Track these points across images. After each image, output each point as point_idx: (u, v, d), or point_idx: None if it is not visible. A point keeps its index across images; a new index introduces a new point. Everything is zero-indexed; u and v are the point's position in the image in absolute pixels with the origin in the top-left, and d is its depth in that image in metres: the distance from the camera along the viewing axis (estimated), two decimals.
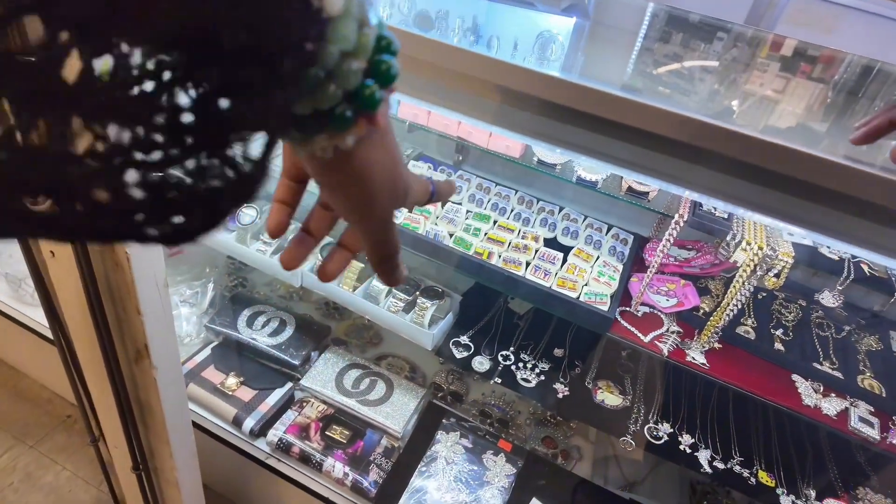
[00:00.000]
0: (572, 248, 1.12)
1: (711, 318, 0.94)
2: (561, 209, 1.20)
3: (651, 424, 1.10)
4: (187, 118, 0.20)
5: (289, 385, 1.40)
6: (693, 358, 0.94)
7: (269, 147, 0.23)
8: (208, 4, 0.18)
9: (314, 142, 0.28)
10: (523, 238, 1.11)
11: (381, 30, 0.28)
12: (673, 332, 0.98)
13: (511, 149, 0.96)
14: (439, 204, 1.18)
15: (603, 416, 1.12)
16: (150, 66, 0.18)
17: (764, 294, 1.11)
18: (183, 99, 0.19)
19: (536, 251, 1.08)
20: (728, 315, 0.91)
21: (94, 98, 0.18)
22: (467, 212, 1.17)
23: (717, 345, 0.97)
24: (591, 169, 0.92)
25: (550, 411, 1.40)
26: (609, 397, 1.14)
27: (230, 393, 1.35)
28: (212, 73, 0.19)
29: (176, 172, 0.20)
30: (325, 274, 0.41)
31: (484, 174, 1.30)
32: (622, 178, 0.92)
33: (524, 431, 1.42)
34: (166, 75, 0.19)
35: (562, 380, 1.16)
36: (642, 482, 1.37)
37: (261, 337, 1.45)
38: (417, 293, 1.22)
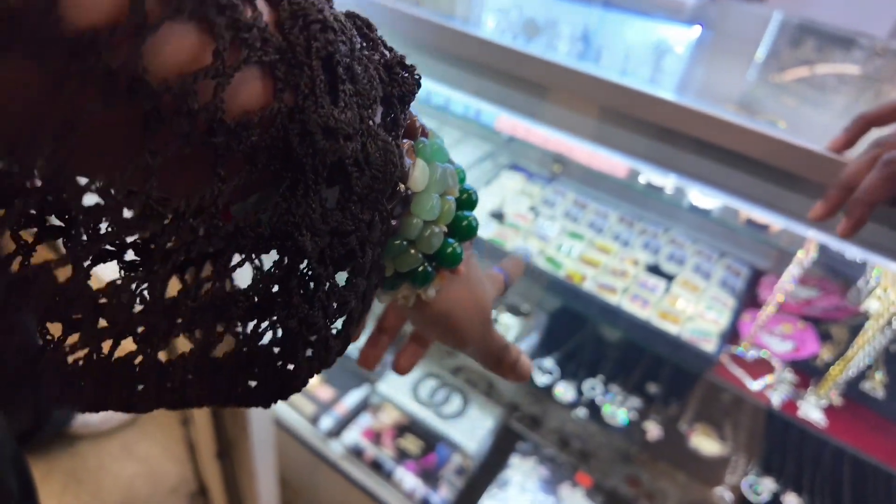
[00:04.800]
0: (676, 275, 1.08)
1: (832, 369, 0.87)
2: (666, 231, 1.17)
3: (751, 478, 1.04)
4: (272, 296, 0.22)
5: (366, 388, 1.46)
6: (806, 413, 0.88)
7: (350, 323, 0.25)
8: (299, 216, 0.20)
9: (396, 293, 0.29)
10: (621, 261, 1.08)
11: (462, 182, 0.29)
12: (785, 381, 0.92)
13: (615, 168, 0.94)
14: (532, 215, 1.18)
15: (697, 464, 1.07)
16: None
17: None
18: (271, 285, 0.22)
19: (635, 277, 1.06)
20: (853, 370, 0.85)
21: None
22: (561, 229, 1.17)
23: (836, 400, 0.90)
24: (705, 195, 0.89)
25: (638, 451, 1.36)
26: (705, 443, 1.09)
27: (311, 391, 1.43)
28: (297, 270, 0.22)
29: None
30: (400, 368, 0.42)
31: (582, 188, 1.28)
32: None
33: (606, 467, 1.39)
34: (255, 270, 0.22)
35: (654, 418, 1.12)
36: None
37: None
38: (501, 307, 1.23)
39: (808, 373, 0.95)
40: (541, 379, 1.18)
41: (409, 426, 1.38)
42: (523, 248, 1.07)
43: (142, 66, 0.15)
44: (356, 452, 1.33)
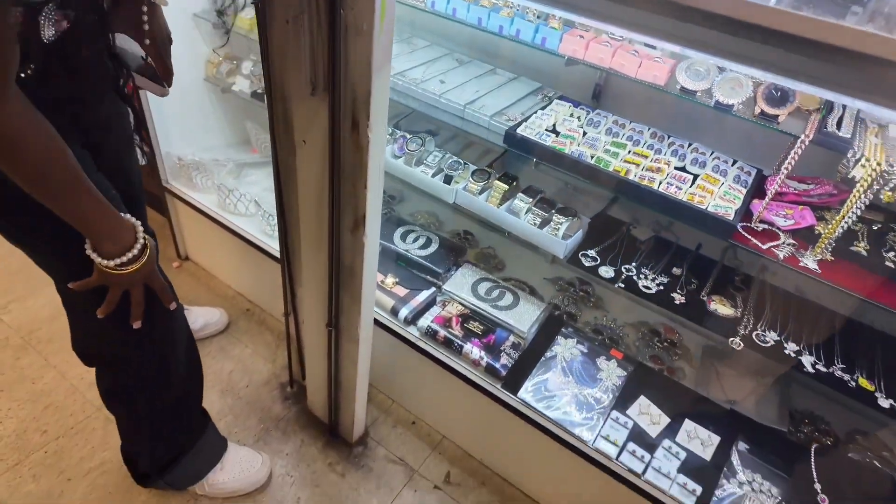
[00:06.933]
0: (700, 175, 1.27)
1: (827, 229, 1.07)
2: (690, 144, 1.36)
3: (759, 332, 1.24)
4: None
5: (433, 289, 1.67)
6: (806, 264, 1.08)
7: None
8: None
9: None
10: (656, 162, 1.28)
11: None
12: (789, 245, 1.12)
13: (657, 78, 1.13)
14: (581, 131, 1.37)
15: (715, 322, 1.27)
16: None
17: (880, 225, 1.21)
18: None
19: (668, 173, 1.25)
20: (843, 227, 1.04)
21: None
22: (605, 141, 1.36)
23: (829, 257, 1.10)
24: (728, 93, 1.07)
25: (668, 315, 1.55)
26: (721, 308, 1.29)
27: (389, 289, 1.64)
28: None
29: None
30: None
31: (617, 116, 1.47)
32: (756, 103, 1.07)
33: (633, 349, 1.60)
34: None
35: (679, 291, 1.32)
36: (742, 402, 1.50)
37: (413, 249, 1.73)
38: (553, 211, 1.42)
39: (806, 240, 1.14)
40: (587, 263, 1.38)
41: (472, 315, 1.59)
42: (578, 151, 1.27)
43: None
44: (430, 334, 1.54)
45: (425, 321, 1.56)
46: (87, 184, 0.79)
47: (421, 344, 1.55)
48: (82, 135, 0.95)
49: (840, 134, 1.01)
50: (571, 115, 1.43)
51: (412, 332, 1.57)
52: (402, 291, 1.64)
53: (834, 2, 1.20)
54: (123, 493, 1.46)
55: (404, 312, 1.58)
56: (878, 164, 0.96)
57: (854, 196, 1.00)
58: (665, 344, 1.61)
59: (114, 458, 1.52)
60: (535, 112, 1.42)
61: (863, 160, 0.98)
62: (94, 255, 0.85)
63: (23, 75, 0.78)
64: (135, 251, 0.87)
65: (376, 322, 1.60)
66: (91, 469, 1.51)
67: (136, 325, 0.97)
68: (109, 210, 0.83)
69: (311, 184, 1.16)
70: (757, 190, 1.26)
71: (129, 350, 1.11)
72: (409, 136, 1.60)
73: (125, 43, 1.00)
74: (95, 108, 0.99)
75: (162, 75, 1.07)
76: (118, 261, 0.86)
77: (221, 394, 1.80)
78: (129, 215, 0.88)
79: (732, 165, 1.30)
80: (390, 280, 1.66)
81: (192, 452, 1.36)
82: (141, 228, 0.89)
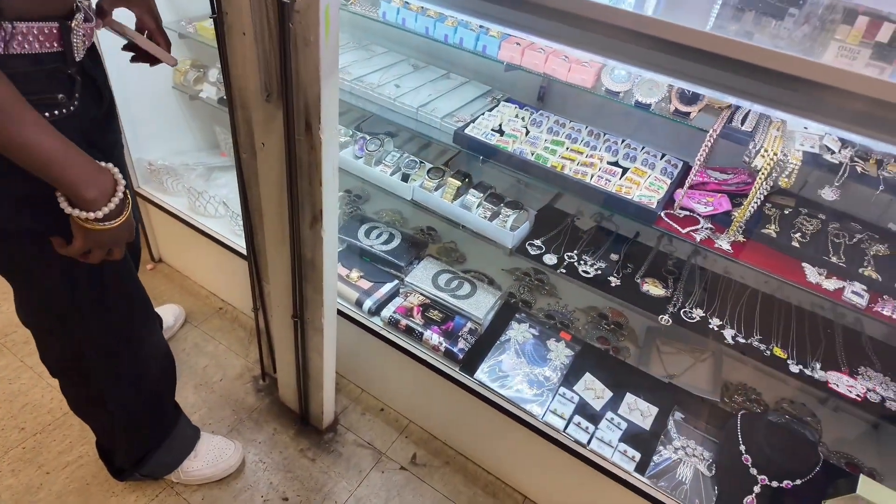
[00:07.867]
0: (630, 168, 1.38)
1: (737, 213, 1.18)
2: (623, 140, 1.46)
3: (686, 309, 1.35)
4: None
5: (396, 282, 1.75)
6: (720, 245, 1.19)
7: None
8: None
9: None
10: (590, 157, 1.38)
11: None
12: (706, 229, 1.23)
13: (585, 81, 1.23)
14: (524, 130, 1.47)
15: (646, 302, 1.38)
16: None
17: (790, 209, 1.32)
18: None
19: (600, 167, 1.35)
20: (751, 209, 1.15)
21: None
22: (545, 140, 1.46)
23: (741, 238, 1.21)
24: (646, 94, 1.17)
25: (604, 296, 1.63)
26: (653, 289, 1.40)
27: (353, 282, 1.71)
28: None
29: None
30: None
31: (558, 116, 1.57)
32: (671, 102, 1.17)
33: (582, 332, 1.70)
34: None
35: (615, 275, 1.43)
36: (680, 376, 1.61)
37: (376, 245, 1.81)
38: (502, 205, 1.52)
39: (723, 224, 1.25)
40: (533, 252, 1.47)
41: (432, 304, 1.68)
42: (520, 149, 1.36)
43: None
44: (393, 323, 1.62)
45: (388, 311, 1.64)
46: (36, 114, 0.69)
47: (384, 333, 1.62)
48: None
49: (743, 128, 1.12)
50: (516, 116, 1.52)
51: (376, 323, 1.65)
52: (366, 284, 1.72)
53: (774, 5, 1.31)
54: (101, 482, 1.51)
55: (368, 304, 1.66)
56: (775, 154, 1.07)
57: (757, 183, 1.11)
58: (612, 326, 1.72)
59: (91, 452, 1.57)
60: (483, 113, 1.51)
61: (762, 151, 1.09)
62: (75, 212, 0.75)
63: (65, 111, 0.79)
64: (119, 194, 0.78)
65: (342, 314, 1.67)
66: (69, 462, 1.55)
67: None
68: (75, 148, 0.74)
69: (272, 184, 1.23)
70: (682, 180, 1.37)
71: (100, 364, 1.13)
72: (368, 138, 1.68)
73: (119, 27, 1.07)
74: (107, 132, 1.01)
75: (166, 46, 1.15)
76: (105, 210, 0.76)
77: (196, 388, 1.85)
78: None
79: (661, 159, 1.41)
80: (355, 274, 1.74)
81: (165, 446, 1.42)
82: (117, 170, 0.80)
